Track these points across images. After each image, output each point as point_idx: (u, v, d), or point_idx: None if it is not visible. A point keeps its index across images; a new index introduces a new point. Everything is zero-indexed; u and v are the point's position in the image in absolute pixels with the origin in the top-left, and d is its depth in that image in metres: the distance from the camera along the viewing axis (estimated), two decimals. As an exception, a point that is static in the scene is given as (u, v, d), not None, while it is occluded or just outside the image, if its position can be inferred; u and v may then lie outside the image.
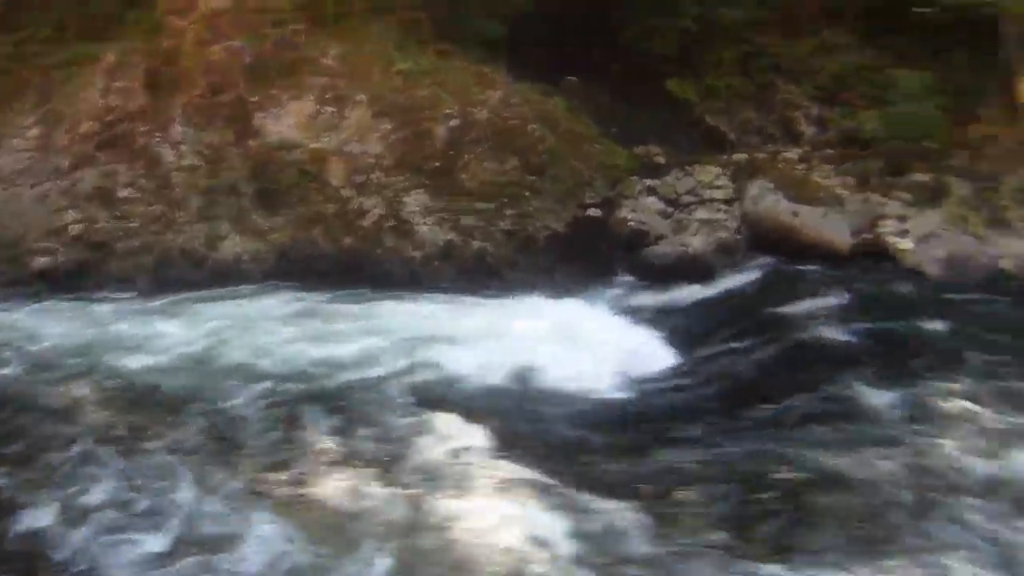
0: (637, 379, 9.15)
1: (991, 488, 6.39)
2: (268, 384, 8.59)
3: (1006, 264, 12.56)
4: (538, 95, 14.33)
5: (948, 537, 5.79)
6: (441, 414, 7.70)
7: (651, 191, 13.38)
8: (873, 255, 12.53)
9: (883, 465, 6.77)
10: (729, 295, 11.36)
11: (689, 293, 11.49)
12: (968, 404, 7.76)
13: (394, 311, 10.58)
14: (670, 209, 13.09)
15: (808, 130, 15.39)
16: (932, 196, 13.69)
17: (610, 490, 6.47)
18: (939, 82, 15.15)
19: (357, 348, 9.39)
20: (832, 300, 10.50)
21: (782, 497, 6.41)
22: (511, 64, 14.69)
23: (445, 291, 11.43)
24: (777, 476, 6.69)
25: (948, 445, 7.02)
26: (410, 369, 8.84)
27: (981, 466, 6.70)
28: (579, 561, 5.58)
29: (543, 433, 7.82)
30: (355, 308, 10.71)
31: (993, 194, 13.88)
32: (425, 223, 12.31)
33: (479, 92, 13.73)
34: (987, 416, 7.56)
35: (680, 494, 6.55)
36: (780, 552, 5.70)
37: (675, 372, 9.45)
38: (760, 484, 6.59)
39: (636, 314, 10.91)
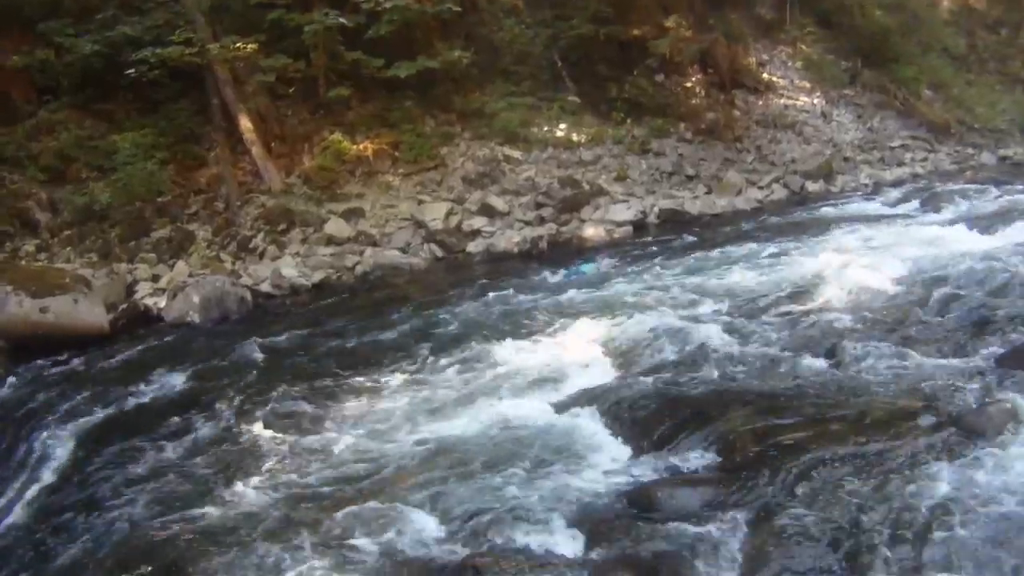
0: None
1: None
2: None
3: (264, 287, 13.78)
4: None
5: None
6: None
7: None
8: (137, 323, 12.79)
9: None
10: (4, 418, 10.95)
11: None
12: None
13: None
14: (-82, 349, 12.07)
15: (43, 217, 15.09)
16: (178, 247, 14.48)
17: None
18: (157, 137, 15.88)
19: None
20: (94, 386, 10.48)
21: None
22: None
23: None
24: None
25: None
26: None
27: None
28: None
29: None
30: None
31: (233, 228, 15.09)
32: None
33: None
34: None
35: None
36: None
37: None
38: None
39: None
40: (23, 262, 13.79)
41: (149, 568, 5.97)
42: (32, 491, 8.53)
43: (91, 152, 15.99)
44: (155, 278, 13.82)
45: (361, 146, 17.41)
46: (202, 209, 15.64)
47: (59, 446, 9.14)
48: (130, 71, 16.20)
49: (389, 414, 8.21)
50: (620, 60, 21.96)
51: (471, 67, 19.64)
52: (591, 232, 16.00)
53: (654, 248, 14.67)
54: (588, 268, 13.07)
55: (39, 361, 11.64)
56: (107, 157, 15.77)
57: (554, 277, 13.17)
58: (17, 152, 15.81)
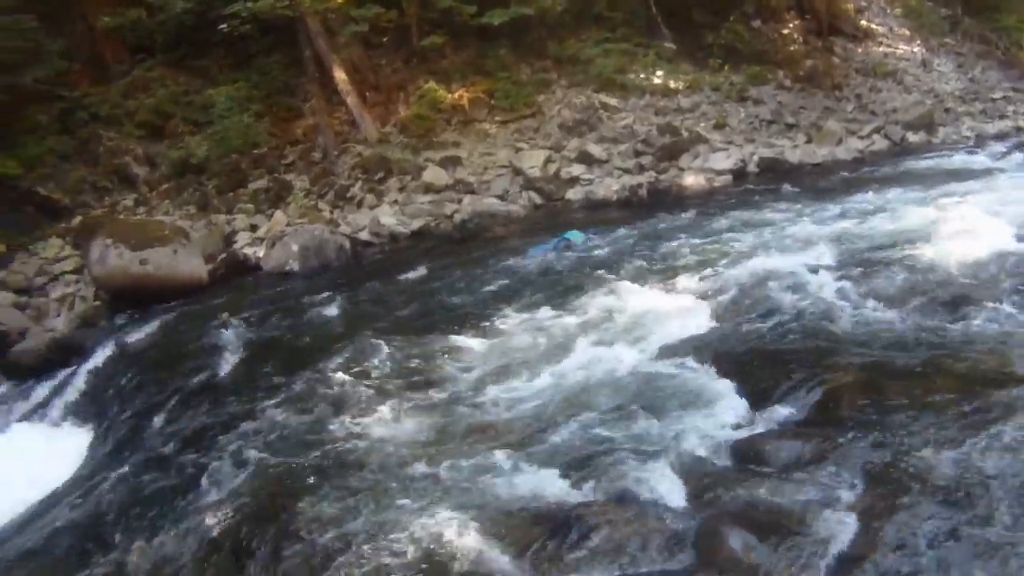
0: (56, 478, 8.40)
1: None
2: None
3: (363, 235, 13.61)
4: None
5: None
6: None
7: (0, 286, 12.53)
8: (236, 272, 12.80)
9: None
10: (107, 364, 10.92)
11: (69, 376, 10.92)
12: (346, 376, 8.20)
13: None
14: (24, 298, 12.35)
15: (141, 171, 15.23)
16: (275, 198, 14.42)
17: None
18: (251, 90, 15.83)
19: None
20: (197, 332, 10.47)
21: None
22: None
23: None
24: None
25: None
26: None
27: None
28: None
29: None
30: None
31: (331, 177, 14.95)
32: None
33: None
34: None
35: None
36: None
37: (92, 452, 8.91)
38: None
39: (29, 418, 10.16)
40: (122, 216, 13.88)
41: (262, 509, 6.04)
42: (138, 437, 8.60)
43: (186, 107, 16.09)
44: (253, 228, 13.80)
45: (456, 94, 17.12)
46: (299, 159, 15.60)
47: (161, 394, 9.15)
48: (222, 26, 16.23)
49: (493, 360, 8.11)
50: (715, 5, 21.34)
51: (565, 13, 19.29)
52: (691, 180, 15.53)
53: (756, 197, 14.18)
54: (576, 237, 11.99)
55: (140, 311, 11.71)
56: (202, 112, 15.86)
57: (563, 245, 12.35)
58: (113, 110, 15.98)
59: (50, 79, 15.91)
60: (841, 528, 4.66)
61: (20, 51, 15.77)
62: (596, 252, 11.35)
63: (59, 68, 16.09)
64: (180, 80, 16.52)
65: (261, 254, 13.07)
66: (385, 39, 17.83)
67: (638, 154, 16.51)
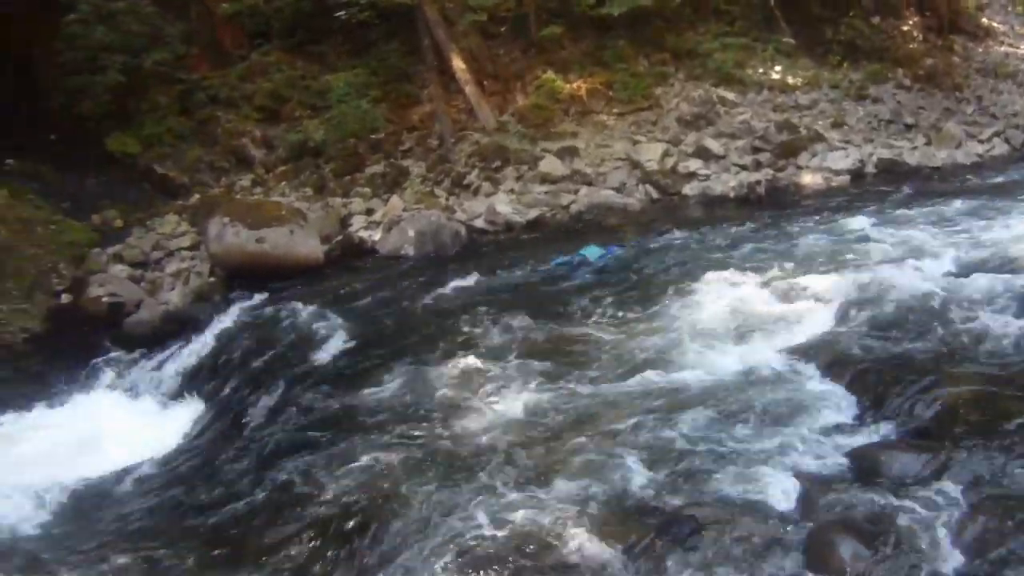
0: (164, 448, 8.56)
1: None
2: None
3: (478, 223, 13.48)
4: (-23, 189, 13.06)
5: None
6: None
7: (117, 258, 12.64)
8: (351, 255, 12.79)
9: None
10: (221, 338, 10.87)
11: (181, 349, 10.91)
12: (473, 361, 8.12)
13: None
14: (140, 272, 12.44)
15: (258, 153, 15.37)
16: (392, 183, 14.36)
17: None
18: (369, 76, 15.83)
19: None
20: (314, 311, 10.37)
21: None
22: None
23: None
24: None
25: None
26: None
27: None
28: None
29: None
30: None
31: (447, 164, 14.80)
32: None
33: (-90, 204, 12.25)
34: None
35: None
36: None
37: (197, 426, 9.03)
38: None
39: (140, 388, 10.17)
40: (239, 196, 13.95)
41: (369, 490, 6.16)
42: (245, 413, 8.68)
43: (304, 92, 16.17)
44: (369, 212, 13.75)
45: (574, 85, 16.82)
46: (416, 146, 15.54)
47: (271, 372, 9.21)
48: (340, 13, 16.37)
49: (604, 353, 8.08)
50: (835, 0, 20.60)
51: (683, 6, 18.94)
52: (808, 179, 15.07)
53: (874, 199, 13.69)
54: (592, 253, 11.32)
55: (254, 289, 11.67)
56: (320, 96, 15.89)
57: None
58: (231, 93, 16.16)
59: (170, 62, 16.20)
60: (951, 546, 4.59)
61: (141, 35, 16.12)
62: (711, 251, 11.04)
63: (179, 52, 16.43)
64: (297, 65, 16.61)
65: (377, 238, 13.03)
66: (503, 28, 17.67)
67: (756, 150, 16.07)
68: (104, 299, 11.73)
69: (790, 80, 18.48)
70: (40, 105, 16.22)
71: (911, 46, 20.81)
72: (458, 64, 16.12)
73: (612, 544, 5.02)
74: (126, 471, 8.24)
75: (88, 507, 7.72)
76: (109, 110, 15.68)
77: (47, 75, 16.42)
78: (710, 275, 9.68)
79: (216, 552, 6.23)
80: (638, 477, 5.69)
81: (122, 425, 9.18)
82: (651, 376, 7.32)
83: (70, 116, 15.69)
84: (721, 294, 9.05)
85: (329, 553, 5.85)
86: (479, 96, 16.09)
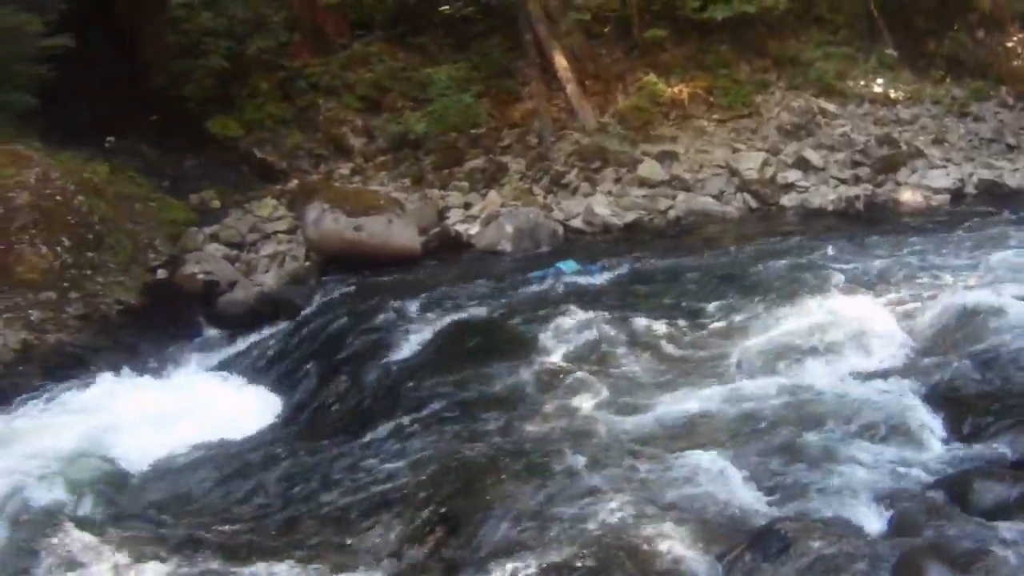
0: (251, 430, 8.52)
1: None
2: None
3: (575, 223, 13.36)
4: (80, 164, 13.18)
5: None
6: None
7: (214, 238, 12.74)
8: (447, 247, 12.73)
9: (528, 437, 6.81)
10: (315, 322, 10.82)
11: (276, 331, 10.88)
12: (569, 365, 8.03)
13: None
14: (236, 252, 12.55)
15: (357, 142, 15.44)
16: (490, 178, 14.30)
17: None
18: (471, 71, 15.80)
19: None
20: (412, 301, 10.29)
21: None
22: (48, 136, 13.44)
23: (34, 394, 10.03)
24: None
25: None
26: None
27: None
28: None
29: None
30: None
31: (546, 162, 14.68)
32: (-7, 329, 10.89)
33: (15, 174, 12.32)
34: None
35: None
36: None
37: (286, 409, 8.99)
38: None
39: (230, 367, 10.18)
40: (338, 183, 13.98)
41: (450, 484, 6.09)
42: (334, 400, 8.67)
43: (405, 83, 16.18)
44: (467, 206, 13.69)
45: (676, 89, 16.51)
46: (515, 142, 15.44)
47: (363, 360, 9.12)
48: (444, 7, 16.71)
49: (697, 360, 8.07)
50: (939, 13, 19.97)
51: (786, 13, 18.41)
52: (907, 196, 14.59)
53: (974, 221, 13.12)
54: (569, 267, 11.14)
55: (351, 276, 11.71)
56: (421, 89, 15.86)
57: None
58: (332, 82, 16.23)
59: (273, 49, 16.37)
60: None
61: (245, 21, 16.32)
62: (805, 264, 10.72)
63: (282, 39, 16.57)
64: (399, 56, 16.61)
65: (474, 232, 12.95)
66: (606, 29, 17.48)
67: (855, 164, 15.62)
68: (199, 277, 11.84)
69: (892, 93, 17.96)
70: (142, 85, 16.49)
71: (1015, 63, 20.08)
72: (560, 62, 15.96)
73: (702, 554, 4.92)
74: (209, 448, 8.19)
75: (165, 481, 7.68)
76: (211, 93, 15.89)
77: (150, 56, 16.70)
78: (807, 288, 9.46)
79: (290, 537, 6.17)
80: (729, 488, 5.60)
81: (209, 402, 9.15)
82: (744, 386, 7.25)
83: (172, 97, 15.97)
84: (817, 308, 8.82)
85: (410, 546, 5.72)
86: (580, 96, 15.90)
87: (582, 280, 10.76)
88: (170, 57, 16.04)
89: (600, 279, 10.83)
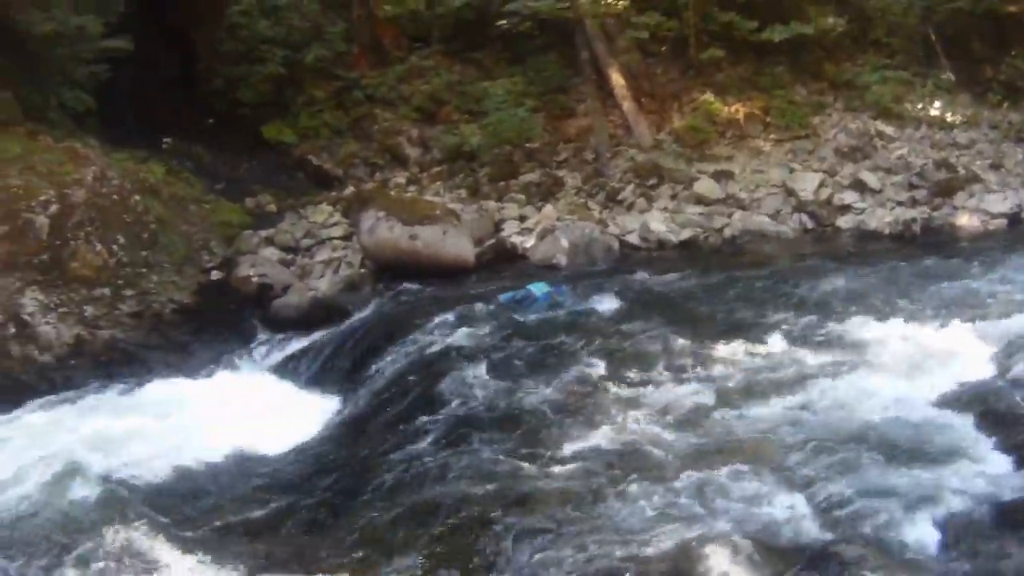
0: (302, 435, 8.56)
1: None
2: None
3: (631, 239, 13.30)
4: (136, 163, 13.29)
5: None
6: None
7: (268, 241, 12.82)
8: (502, 259, 12.67)
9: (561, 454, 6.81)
10: (368, 328, 10.82)
11: (327, 336, 10.87)
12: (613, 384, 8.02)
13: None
14: (291, 256, 12.60)
15: (413, 153, 15.56)
16: (546, 192, 14.29)
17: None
18: (527, 85, 15.82)
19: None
20: (465, 311, 10.25)
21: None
22: (105, 135, 13.64)
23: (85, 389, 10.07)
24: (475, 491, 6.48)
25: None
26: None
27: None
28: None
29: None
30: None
31: (602, 178, 14.63)
32: (48, 322, 10.90)
33: (73, 171, 12.41)
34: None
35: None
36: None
37: (336, 416, 9.03)
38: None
39: (284, 370, 10.23)
40: (393, 192, 13.99)
41: (501, 495, 6.22)
42: (384, 408, 8.64)
43: (461, 96, 16.27)
44: (522, 219, 13.63)
45: (732, 108, 16.41)
46: (571, 157, 15.41)
47: (414, 369, 9.14)
48: (501, 22, 16.47)
49: (754, 378, 7.99)
50: (996, 38, 19.72)
51: (843, 36, 18.29)
52: (964, 221, 14.34)
53: None
54: (538, 288, 10.83)
55: (405, 284, 11.70)
56: (476, 102, 15.93)
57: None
58: (389, 93, 16.41)
59: (329, 59, 16.56)
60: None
61: (302, 30, 16.54)
62: (864, 286, 10.66)
63: (339, 49, 16.78)
64: (455, 69, 16.73)
65: (529, 245, 12.90)
66: (663, 48, 17.40)
67: (912, 187, 15.39)
68: (254, 279, 11.87)
69: (949, 117, 17.74)
70: (199, 89, 16.61)
71: (1071, 89, 19.84)
72: (617, 80, 15.94)
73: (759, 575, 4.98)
74: (257, 451, 8.24)
75: (215, 482, 7.73)
76: (267, 99, 16.10)
77: (208, 61, 16.84)
78: (864, 311, 9.49)
79: (337, 543, 6.25)
80: (787, 509, 5.65)
81: (259, 405, 9.20)
82: (795, 405, 7.29)
83: (228, 102, 16.19)
84: (875, 331, 8.82)
85: (456, 552, 5.81)
86: (637, 113, 15.85)
87: (638, 294, 10.74)
88: (227, 62, 16.22)
89: (660, 295, 10.75)
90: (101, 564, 6.07)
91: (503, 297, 10.77)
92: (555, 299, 10.59)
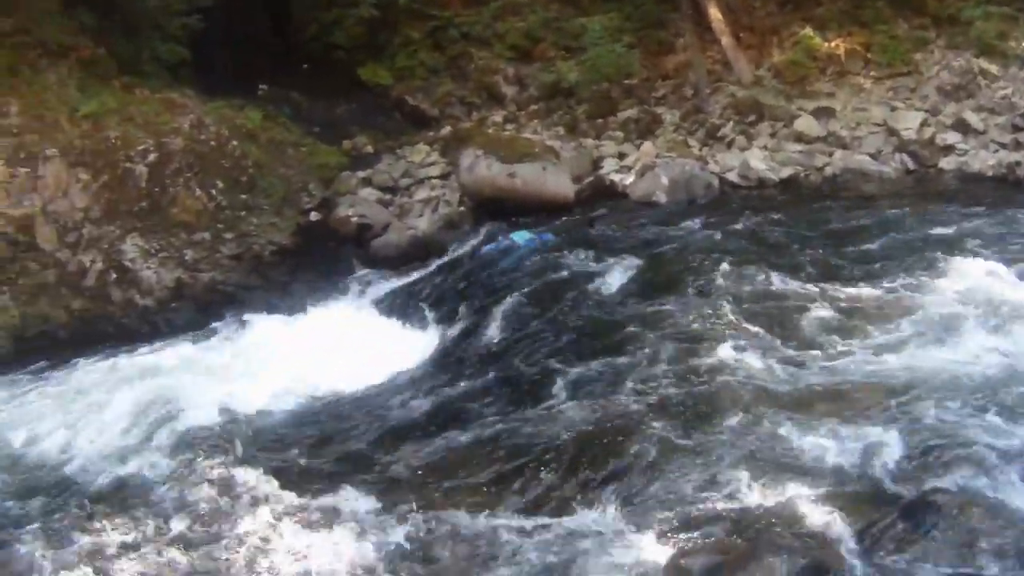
0: (404, 370, 8.72)
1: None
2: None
3: (731, 176, 13.03)
4: (232, 111, 13.44)
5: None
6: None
7: (367, 182, 12.92)
8: (601, 196, 12.57)
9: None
10: (468, 265, 10.88)
11: (429, 273, 11.00)
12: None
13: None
14: (389, 196, 12.68)
15: (509, 91, 15.47)
16: (644, 129, 14.08)
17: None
18: (624, 21, 15.53)
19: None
20: (570, 248, 10.26)
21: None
22: (200, 85, 13.79)
23: (187, 331, 10.34)
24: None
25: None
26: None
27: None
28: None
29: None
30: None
31: (702, 115, 14.36)
32: (149, 267, 11.17)
33: (170, 120, 12.64)
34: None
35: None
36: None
37: (441, 352, 9.07)
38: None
39: (384, 306, 10.37)
40: (490, 131, 13.93)
41: (587, 433, 6.35)
42: (481, 341, 8.79)
43: (557, 33, 16.04)
44: (621, 156, 13.47)
45: (832, 44, 15.82)
46: (670, 94, 15.15)
47: (512, 303, 9.18)
48: None
49: (855, 323, 7.84)
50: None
51: (946, -32, 17.46)
52: None
53: None
54: (520, 237, 10.77)
55: (504, 222, 11.62)
56: (573, 38, 15.67)
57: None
58: (484, 31, 16.26)
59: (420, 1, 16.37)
60: None
61: None
62: (970, 231, 10.18)
63: None
64: (551, 6, 16.49)
65: (628, 182, 12.76)
66: (762, -19, 16.86)
67: (1016, 129, 14.59)
68: (353, 219, 12.02)
69: (1054, 56, 17.03)
70: (294, 35, 16.68)
71: None
72: (715, 14, 15.50)
73: (854, 522, 4.97)
74: (356, 387, 8.42)
75: (317, 417, 7.93)
76: (361, 42, 16.09)
77: (301, 6, 16.85)
78: (964, 256, 9.09)
79: (435, 476, 6.36)
80: (883, 457, 5.62)
81: (358, 342, 9.33)
82: (899, 352, 7.11)
83: (322, 46, 16.23)
84: (975, 279, 8.50)
85: (553, 485, 5.95)
86: (735, 48, 15.44)
87: (740, 236, 10.49)
88: (320, 7, 16.20)
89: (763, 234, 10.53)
90: (205, 493, 6.32)
91: (486, 248, 10.83)
92: (539, 246, 10.54)
